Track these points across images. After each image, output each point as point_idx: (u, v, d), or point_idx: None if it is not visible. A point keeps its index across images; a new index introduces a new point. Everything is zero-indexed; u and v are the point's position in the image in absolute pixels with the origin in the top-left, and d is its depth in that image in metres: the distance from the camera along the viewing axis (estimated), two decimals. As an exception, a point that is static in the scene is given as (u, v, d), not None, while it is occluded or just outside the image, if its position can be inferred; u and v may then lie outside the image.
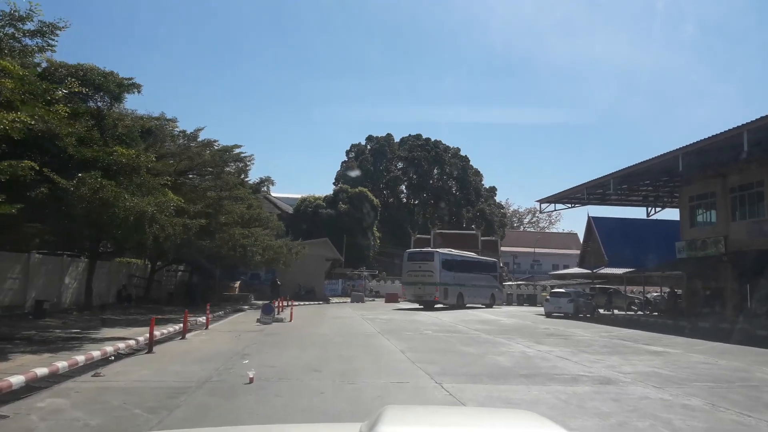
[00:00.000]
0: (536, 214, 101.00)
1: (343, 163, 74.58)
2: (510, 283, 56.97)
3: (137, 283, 27.48)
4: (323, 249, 42.24)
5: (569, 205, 36.22)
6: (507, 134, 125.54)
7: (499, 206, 79.38)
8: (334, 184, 68.13)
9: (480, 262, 40.75)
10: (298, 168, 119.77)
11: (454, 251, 37.36)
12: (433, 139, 75.29)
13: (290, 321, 20.32)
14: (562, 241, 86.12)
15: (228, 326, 18.37)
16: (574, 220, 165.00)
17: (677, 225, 51.23)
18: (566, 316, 27.40)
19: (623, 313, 33.65)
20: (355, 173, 60.68)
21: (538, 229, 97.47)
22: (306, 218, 55.10)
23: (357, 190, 58.66)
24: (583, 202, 36.17)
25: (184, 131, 19.15)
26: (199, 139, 19.67)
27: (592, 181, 29.54)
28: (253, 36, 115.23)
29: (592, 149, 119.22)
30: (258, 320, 18.96)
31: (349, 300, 41.30)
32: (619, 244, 55.20)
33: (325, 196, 58.52)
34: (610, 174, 27.77)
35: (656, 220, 58.58)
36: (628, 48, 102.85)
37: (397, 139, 75.26)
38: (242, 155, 21.36)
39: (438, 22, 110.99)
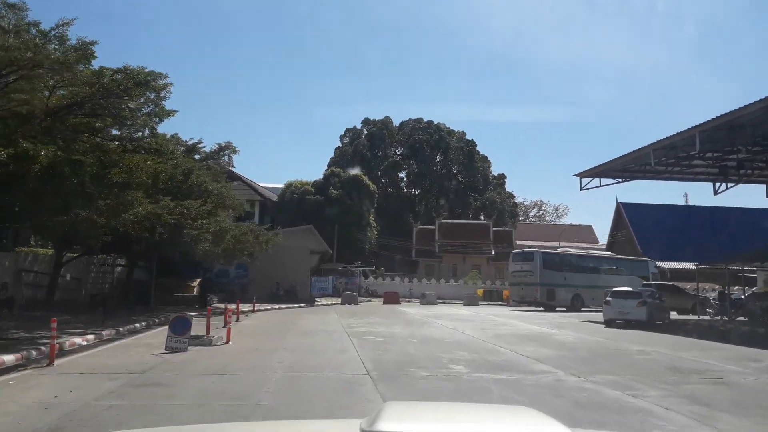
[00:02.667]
0: (542, 207, 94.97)
1: (336, 149, 66.70)
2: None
3: (35, 281, 19.67)
4: (307, 239, 34.38)
5: (618, 180, 28.35)
6: (506, 132, 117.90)
7: (510, 195, 71.45)
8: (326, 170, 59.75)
9: (619, 262, 36.04)
10: (292, 162, 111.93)
11: (572, 249, 35.61)
12: (435, 122, 67.54)
13: (226, 342, 12.53)
14: (576, 234, 78.79)
15: (108, 355, 10.60)
16: (584, 213, 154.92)
17: (724, 212, 43.96)
18: (629, 324, 19.34)
19: (695, 318, 26.04)
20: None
21: (545, 222, 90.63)
22: (291, 206, 47.27)
23: (351, 173, 50.87)
24: (634, 175, 28.36)
25: (36, 23, 11.25)
26: (69, 44, 11.81)
27: (663, 140, 21.69)
28: (248, 30, 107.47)
29: (592, 148, 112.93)
30: (167, 345, 11.16)
31: (339, 301, 33.49)
32: (653, 234, 47.61)
33: (314, 181, 50.63)
34: (694, 127, 19.93)
35: (696, 206, 51.22)
36: (627, 47, 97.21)
37: (396, 123, 67.46)
38: (154, 83, 13.47)
39: (437, 20, 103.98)
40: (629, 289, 20.93)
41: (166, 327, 16.15)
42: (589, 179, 28.07)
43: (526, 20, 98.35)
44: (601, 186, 28.16)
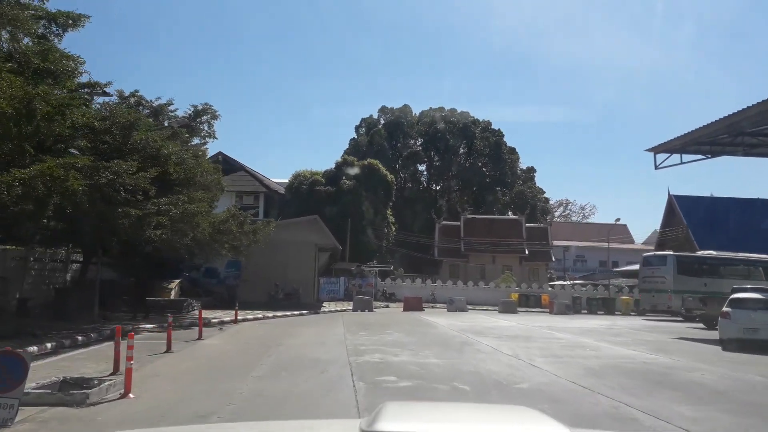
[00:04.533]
0: (568, 206, 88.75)
1: (351, 140, 60.96)
2: (562, 282, 43.17)
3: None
4: (312, 232, 28.72)
5: (705, 156, 22.30)
6: (514, 133, 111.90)
7: (540, 190, 65.21)
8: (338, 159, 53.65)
9: None
10: (301, 163, 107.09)
11: (715, 253, 32.20)
12: (459, 110, 61.73)
13: (123, 396, 6.89)
14: (608, 233, 72.44)
15: None
16: (611, 213, 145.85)
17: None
18: (757, 345, 13.30)
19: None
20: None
21: (570, 221, 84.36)
22: (299, 198, 41.73)
23: (366, 162, 45.17)
24: (725, 149, 22.21)
25: None
26: None
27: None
28: (249, 30, 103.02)
29: (592, 147, 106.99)
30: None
31: (350, 306, 27.84)
32: (710, 229, 41.66)
33: (325, 171, 45.05)
34: None
35: (754, 199, 45.04)
36: (629, 46, 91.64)
37: (416, 113, 61.70)
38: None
39: (437, 20, 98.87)
40: (759, 296, 14.80)
41: (74, 352, 10.67)
42: (666, 155, 22.12)
43: (526, 19, 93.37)
44: (681, 163, 22.20)
